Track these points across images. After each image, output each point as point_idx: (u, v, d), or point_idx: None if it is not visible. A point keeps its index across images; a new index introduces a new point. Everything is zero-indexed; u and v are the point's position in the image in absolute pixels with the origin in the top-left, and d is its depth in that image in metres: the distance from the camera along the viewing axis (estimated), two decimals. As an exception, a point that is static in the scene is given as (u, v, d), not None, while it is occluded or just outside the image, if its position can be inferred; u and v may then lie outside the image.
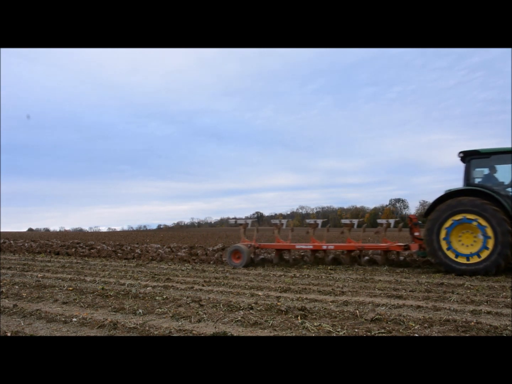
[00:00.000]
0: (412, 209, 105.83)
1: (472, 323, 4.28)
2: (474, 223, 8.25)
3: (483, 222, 8.19)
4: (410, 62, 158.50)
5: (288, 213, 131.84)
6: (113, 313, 5.11)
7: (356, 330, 4.09)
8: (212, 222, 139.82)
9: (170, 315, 4.90)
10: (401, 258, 10.55)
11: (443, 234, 8.59)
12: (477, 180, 9.07)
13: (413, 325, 4.27)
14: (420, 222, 10.40)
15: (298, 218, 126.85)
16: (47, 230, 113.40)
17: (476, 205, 8.26)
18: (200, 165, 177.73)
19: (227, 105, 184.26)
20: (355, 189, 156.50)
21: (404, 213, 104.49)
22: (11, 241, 19.81)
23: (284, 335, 4.02)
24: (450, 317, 4.66)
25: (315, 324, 4.35)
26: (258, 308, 5.17)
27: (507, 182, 8.86)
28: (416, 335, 3.91)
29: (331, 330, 4.11)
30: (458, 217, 8.41)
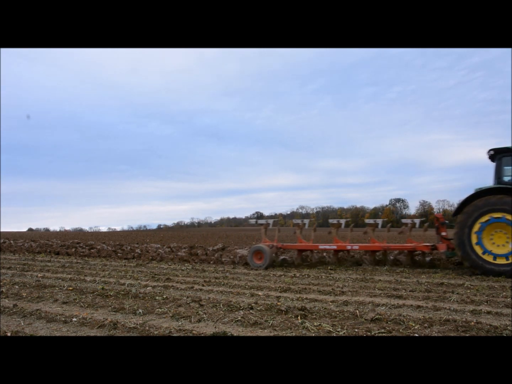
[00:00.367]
0: (412, 209, 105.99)
1: (472, 323, 4.28)
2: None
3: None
4: (410, 62, 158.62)
5: (288, 213, 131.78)
6: (113, 313, 5.11)
7: (356, 330, 4.09)
8: (212, 222, 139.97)
9: (170, 315, 4.90)
10: (427, 258, 10.22)
11: (474, 235, 8.31)
12: (507, 179, 8.77)
13: (413, 325, 4.27)
14: (447, 221, 10.12)
15: (298, 218, 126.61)
16: (47, 230, 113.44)
17: (505, 203, 8.03)
18: (200, 165, 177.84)
19: (227, 105, 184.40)
20: (355, 189, 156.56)
21: (404, 213, 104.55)
22: (11, 241, 19.81)
23: (284, 335, 4.02)
24: (450, 317, 4.66)
25: (315, 324, 4.35)
26: (258, 308, 5.17)
27: None
28: (416, 335, 3.91)
29: (331, 330, 4.11)
30: (485, 218, 8.19)
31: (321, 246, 10.70)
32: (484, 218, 8.23)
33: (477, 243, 8.29)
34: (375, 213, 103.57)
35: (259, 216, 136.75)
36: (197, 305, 5.43)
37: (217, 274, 9.19)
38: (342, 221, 11.14)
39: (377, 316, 4.55)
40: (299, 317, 4.65)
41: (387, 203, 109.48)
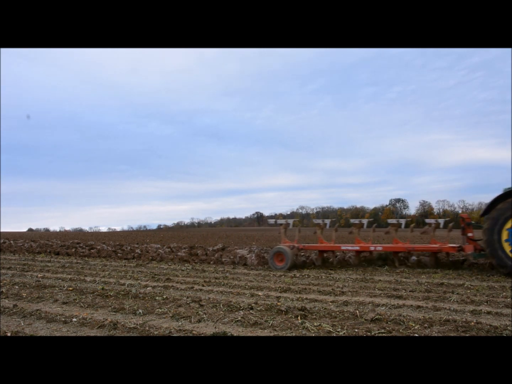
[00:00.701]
0: (412, 209, 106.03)
1: (472, 323, 4.28)
2: None
3: None
4: (410, 62, 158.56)
5: (288, 213, 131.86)
6: (113, 313, 5.11)
7: (356, 330, 4.09)
8: (212, 222, 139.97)
9: (170, 315, 4.90)
10: (452, 259, 9.96)
11: (505, 235, 8.10)
12: None
13: (413, 325, 4.27)
14: (473, 222, 9.86)
15: (298, 218, 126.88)
16: (47, 230, 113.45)
17: None
18: (200, 165, 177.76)
19: (227, 105, 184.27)
20: (355, 189, 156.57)
21: (404, 213, 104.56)
22: (11, 241, 19.80)
23: (284, 335, 4.02)
24: (450, 317, 4.66)
25: (315, 324, 4.35)
26: (258, 308, 5.17)
27: None
28: (416, 335, 3.91)
29: (331, 330, 4.11)
30: None
31: (343, 247, 10.34)
32: None
33: (506, 240, 8.12)
34: (375, 213, 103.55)
35: (259, 216, 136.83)
36: (197, 305, 5.43)
37: (217, 274, 9.19)
38: (364, 221, 10.86)
39: (377, 316, 4.55)
40: (299, 317, 4.65)
41: (387, 203, 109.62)
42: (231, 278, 8.46)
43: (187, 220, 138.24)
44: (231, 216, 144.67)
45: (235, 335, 4.01)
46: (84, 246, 16.45)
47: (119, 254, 13.92)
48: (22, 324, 4.54)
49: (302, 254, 11.65)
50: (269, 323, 4.42)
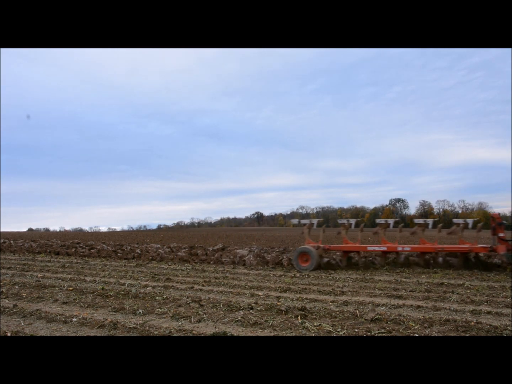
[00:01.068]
0: (412, 209, 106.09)
1: (472, 323, 4.29)
2: None
3: None
4: (410, 62, 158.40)
5: (288, 213, 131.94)
6: (113, 313, 5.11)
7: (356, 330, 4.09)
8: (212, 222, 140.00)
9: (170, 315, 4.90)
10: (481, 260, 9.61)
11: None
12: None
13: (413, 325, 4.27)
14: (505, 222, 9.63)
15: (298, 218, 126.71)
16: (47, 230, 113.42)
17: None
18: (200, 165, 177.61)
19: (227, 105, 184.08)
20: (355, 189, 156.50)
21: (404, 213, 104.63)
22: (11, 241, 19.81)
23: (284, 335, 4.02)
24: (450, 317, 4.67)
25: (315, 324, 4.35)
26: (258, 308, 5.17)
27: None
28: (416, 335, 3.91)
29: (331, 330, 4.11)
30: None
31: (370, 248, 10.11)
32: None
33: None
34: (375, 213, 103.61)
35: (260, 216, 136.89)
36: (197, 305, 5.43)
37: (217, 274, 9.20)
38: (391, 221, 10.54)
39: (377, 316, 4.55)
40: (299, 317, 4.65)
41: (387, 203, 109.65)
42: (231, 278, 8.46)
43: (187, 220, 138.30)
44: (231, 216, 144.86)
45: (235, 335, 4.01)
46: (84, 246, 16.46)
47: (119, 254, 13.93)
48: (22, 324, 4.55)
49: (326, 255, 11.28)
50: (269, 323, 4.43)
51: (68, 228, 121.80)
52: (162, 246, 16.53)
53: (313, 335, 3.99)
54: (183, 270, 10.08)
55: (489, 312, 4.96)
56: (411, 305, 5.41)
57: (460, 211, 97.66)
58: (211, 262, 11.83)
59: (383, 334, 3.94)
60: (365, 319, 4.52)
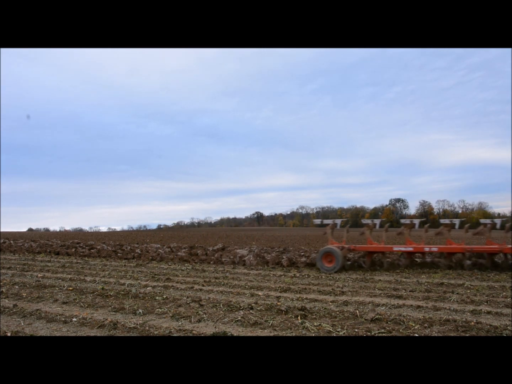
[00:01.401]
0: (412, 209, 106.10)
1: (472, 323, 4.29)
2: None
3: None
4: (410, 62, 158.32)
5: (288, 213, 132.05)
6: (113, 313, 5.11)
7: (356, 330, 4.09)
8: (212, 222, 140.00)
9: (170, 315, 4.90)
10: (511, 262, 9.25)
11: None
12: None
13: (413, 325, 4.27)
14: None
15: (298, 218, 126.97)
16: (47, 230, 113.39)
17: None
18: (200, 165, 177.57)
19: (227, 105, 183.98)
20: (355, 189, 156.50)
21: (404, 213, 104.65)
22: (11, 241, 19.81)
23: (284, 335, 4.02)
24: (450, 317, 4.67)
25: (315, 324, 4.35)
26: (258, 308, 5.17)
27: None
28: (416, 335, 3.91)
29: (331, 330, 4.11)
30: None
31: (396, 248, 9.82)
32: None
33: None
34: (375, 213, 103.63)
35: (260, 216, 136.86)
36: (197, 305, 5.43)
37: (217, 274, 9.20)
38: (416, 221, 10.32)
39: (377, 316, 4.55)
40: (299, 317, 4.65)
41: (387, 203, 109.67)
42: (231, 278, 8.46)
43: (187, 220, 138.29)
44: (231, 216, 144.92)
45: (235, 335, 4.02)
46: (84, 246, 16.46)
47: (119, 254, 13.93)
48: (22, 324, 4.55)
49: (351, 255, 10.95)
50: (269, 323, 4.43)
51: (68, 228, 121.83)
52: (162, 246, 16.53)
53: (313, 335, 4.00)
54: (183, 270, 10.08)
55: (489, 312, 4.96)
56: (411, 305, 5.41)
57: (460, 211, 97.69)
58: (211, 262, 11.83)
59: (383, 334, 3.94)
60: (365, 319, 4.52)
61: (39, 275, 8.78)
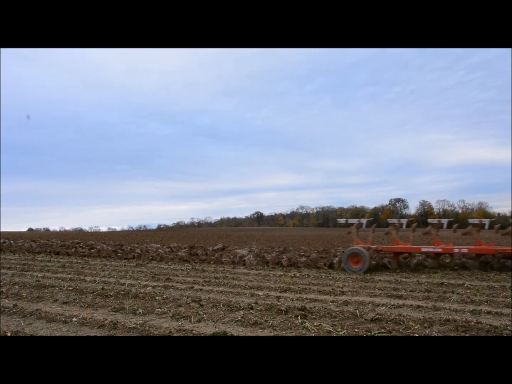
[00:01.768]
0: (412, 209, 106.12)
1: (472, 323, 4.29)
2: None
3: None
4: (410, 62, 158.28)
5: (288, 213, 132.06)
6: (113, 313, 5.11)
7: (356, 330, 4.09)
8: (212, 222, 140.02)
9: (170, 315, 4.90)
10: None
11: None
12: None
13: (413, 325, 4.27)
14: None
15: (298, 218, 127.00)
16: (47, 230, 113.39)
17: None
18: (200, 165, 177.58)
19: (227, 105, 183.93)
20: (355, 189, 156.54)
21: (404, 213, 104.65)
22: (11, 241, 19.81)
23: (284, 335, 4.02)
24: (450, 317, 4.67)
25: (315, 324, 4.35)
26: (258, 308, 5.17)
27: None
28: (416, 335, 3.91)
29: (331, 330, 4.11)
30: None
31: (424, 249, 9.53)
32: None
33: None
34: (375, 213, 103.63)
35: (260, 216, 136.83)
36: (197, 305, 5.43)
37: (217, 274, 9.19)
38: (444, 221, 10.05)
39: (377, 316, 4.55)
40: (299, 317, 4.65)
41: (387, 203, 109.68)
42: (231, 278, 8.46)
43: (187, 220, 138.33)
44: (231, 216, 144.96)
45: (235, 335, 4.01)
46: (84, 246, 16.46)
47: (119, 254, 13.93)
48: (22, 324, 4.55)
49: (377, 256, 10.58)
50: (269, 323, 4.43)
51: (68, 228, 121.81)
52: (162, 246, 16.53)
53: (313, 335, 3.99)
54: (183, 270, 10.08)
55: (489, 312, 4.96)
56: (411, 305, 5.41)
57: (460, 211, 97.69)
58: (211, 262, 11.83)
59: (383, 334, 3.94)
60: (365, 319, 4.52)
61: (39, 275, 8.78)
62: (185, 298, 5.91)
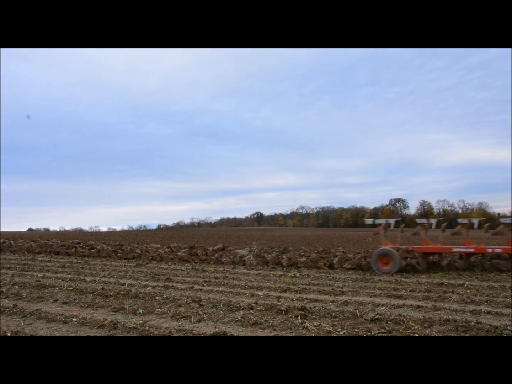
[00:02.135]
0: (412, 209, 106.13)
1: (472, 323, 4.28)
2: None
3: None
4: (409, 62, 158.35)
5: (288, 213, 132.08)
6: (113, 313, 5.11)
7: (356, 330, 4.09)
8: (212, 222, 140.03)
9: (170, 315, 4.90)
10: None
11: None
12: None
13: (413, 325, 4.27)
14: None
15: (298, 218, 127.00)
16: (47, 230, 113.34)
17: None
18: (199, 165, 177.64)
19: (226, 105, 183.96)
20: (355, 189, 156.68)
21: (404, 213, 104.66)
22: (11, 241, 19.81)
23: (284, 335, 4.02)
24: (450, 317, 4.66)
25: (315, 324, 4.35)
26: (258, 308, 5.17)
27: None
28: (416, 335, 3.91)
29: (331, 330, 4.11)
30: None
31: (455, 249, 9.28)
32: None
33: None
34: (375, 213, 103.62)
35: (260, 216, 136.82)
36: (197, 305, 5.43)
37: (217, 274, 9.19)
38: (475, 221, 9.78)
39: (377, 316, 4.55)
40: (299, 317, 4.65)
41: (387, 203, 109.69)
42: (231, 278, 8.46)
43: (187, 220, 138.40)
44: (231, 216, 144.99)
45: (235, 335, 4.01)
46: (84, 246, 16.46)
47: (119, 254, 13.93)
48: (22, 324, 4.55)
49: (409, 257, 10.26)
50: (269, 323, 4.43)
51: (68, 228, 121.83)
52: (162, 246, 16.53)
53: (313, 335, 3.99)
54: (183, 270, 10.08)
55: (489, 312, 4.96)
56: (411, 305, 5.41)
57: (460, 211, 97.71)
58: (211, 262, 11.83)
59: (383, 334, 3.94)
60: (365, 319, 4.52)
61: (39, 275, 8.78)
62: (185, 298, 5.91)
